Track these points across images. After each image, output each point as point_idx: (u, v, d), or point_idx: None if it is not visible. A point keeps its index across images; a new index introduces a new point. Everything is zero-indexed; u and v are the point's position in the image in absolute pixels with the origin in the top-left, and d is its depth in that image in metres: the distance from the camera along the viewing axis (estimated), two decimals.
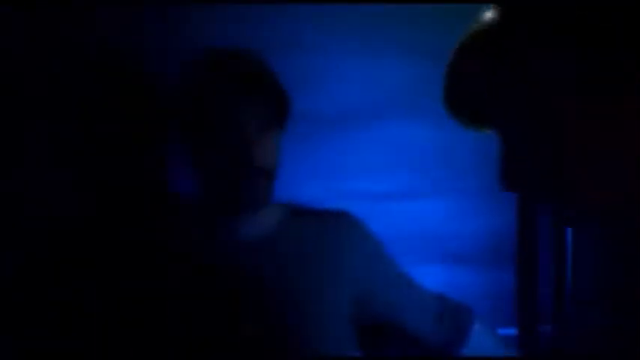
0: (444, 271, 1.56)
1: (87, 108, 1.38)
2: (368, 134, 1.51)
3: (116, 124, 1.38)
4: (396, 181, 1.53)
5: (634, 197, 0.62)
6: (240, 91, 1.19)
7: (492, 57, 0.65)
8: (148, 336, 1.17)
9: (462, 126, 0.72)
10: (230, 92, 1.19)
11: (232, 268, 1.23)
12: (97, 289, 1.18)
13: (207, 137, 1.19)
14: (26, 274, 1.25)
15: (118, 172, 1.41)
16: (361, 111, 1.50)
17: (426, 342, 1.37)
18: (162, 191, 1.42)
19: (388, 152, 1.52)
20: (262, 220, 1.28)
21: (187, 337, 1.17)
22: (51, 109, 1.37)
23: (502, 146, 0.68)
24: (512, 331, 1.58)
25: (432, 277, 1.49)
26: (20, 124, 1.35)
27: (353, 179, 1.52)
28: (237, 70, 1.22)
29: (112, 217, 1.34)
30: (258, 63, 1.25)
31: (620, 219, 0.66)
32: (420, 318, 1.36)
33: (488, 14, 0.66)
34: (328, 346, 1.25)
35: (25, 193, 1.35)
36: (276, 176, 1.24)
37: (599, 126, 0.61)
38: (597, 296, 0.73)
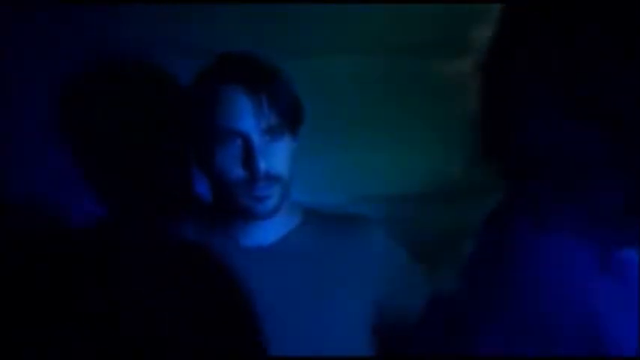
0: None
1: (103, 112, 1.38)
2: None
3: (132, 127, 1.38)
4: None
5: None
6: (251, 96, 1.18)
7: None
8: (158, 340, 1.16)
9: None
10: (240, 98, 1.18)
11: (247, 272, 1.22)
12: (109, 289, 1.16)
13: (217, 144, 1.19)
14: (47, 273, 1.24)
15: (136, 174, 1.41)
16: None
17: None
18: (182, 194, 1.40)
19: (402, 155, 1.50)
20: (279, 224, 1.27)
21: (200, 342, 1.16)
22: (67, 112, 1.38)
23: None
24: None
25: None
26: (35, 125, 1.36)
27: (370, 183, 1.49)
28: (249, 75, 1.21)
29: (130, 219, 1.33)
30: (270, 68, 1.24)
31: None
32: None
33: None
34: (345, 350, 1.23)
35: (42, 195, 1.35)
36: (290, 183, 1.23)
37: None
38: None
